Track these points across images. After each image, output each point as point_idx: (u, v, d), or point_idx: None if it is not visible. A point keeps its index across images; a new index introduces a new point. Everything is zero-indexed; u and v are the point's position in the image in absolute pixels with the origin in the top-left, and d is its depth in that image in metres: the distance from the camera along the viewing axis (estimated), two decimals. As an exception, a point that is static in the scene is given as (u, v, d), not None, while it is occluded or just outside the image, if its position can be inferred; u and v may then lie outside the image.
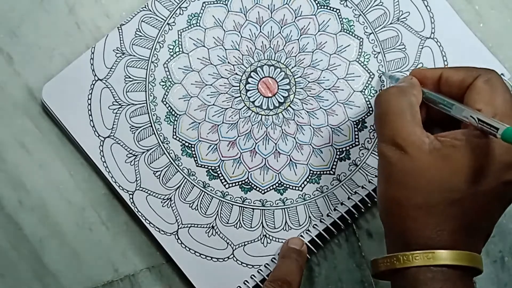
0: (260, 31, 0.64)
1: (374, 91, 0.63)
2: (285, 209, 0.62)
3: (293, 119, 0.63)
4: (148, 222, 0.61)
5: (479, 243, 0.52)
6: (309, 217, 0.62)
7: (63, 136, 0.63)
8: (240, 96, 0.63)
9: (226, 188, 0.62)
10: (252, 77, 0.63)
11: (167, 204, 0.62)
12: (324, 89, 0.64)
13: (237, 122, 0.63)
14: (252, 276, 0.61)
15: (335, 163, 0.63)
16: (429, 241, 0.50)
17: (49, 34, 0.63)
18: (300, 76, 0.64)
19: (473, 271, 0.51)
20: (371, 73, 0.64)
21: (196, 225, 0.61)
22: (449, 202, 0.50)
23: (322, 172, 0.63)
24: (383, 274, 0.53)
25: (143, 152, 0.62)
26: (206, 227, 0.62)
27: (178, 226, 0.61)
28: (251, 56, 0.64)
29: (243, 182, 0.62)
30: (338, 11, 0.64)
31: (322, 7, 0.64)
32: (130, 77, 0.63)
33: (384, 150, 0.52)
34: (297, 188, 0.62)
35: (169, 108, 0.63)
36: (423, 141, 0.51)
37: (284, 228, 0.62)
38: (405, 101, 0.53)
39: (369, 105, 0.63)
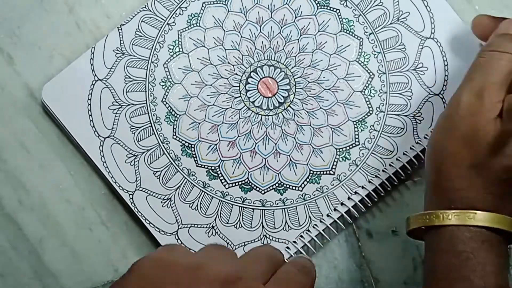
0: (260, 31, 0.64)
1: (374, 91, 0.63)
2: (285, 209, 0.62)
3: (293, 119, 0.63)
4: (148, 222, 0.61)
5: None
6: (309, 217, 0.62)
7: (63, 136, 0.63)
8: (240, 96, 0.63)
9: (226, 188, 0.62)
10: (252, 77, 0.63)
11: (167, 204, 0.61)
12: (324, 89, 0.64)
13: (237, 122, 0.63)
14: (252, 276, 0.61)
15: (335, 163, 0.63)
16: (473, 201, 0.50)
17: (49, 34, 0.63)
18: (300, 76, 0.64)
19: (508, 237, 0.51)
20: (371, 73, 0.64)
21: (196, 225, 0.61)
22: (503, 167, 0.50)
23: (322, 172, 0.63)
24: (417, 232, 0.53)
25: (143, 152, 0.62)
26: (206, 227, 0.62)
27: (178, 226, 0.61)
28: (251, 56, 0.64)
29: (243, 182, 0.62)
30: (338, 11, 0.64)
31: (322, 7, 0.64)
32: (130, 77, 0.63)
33: (465, 95, 0.52)
34: (297, 188, 0.62)
35: (169, 108, 0.63)
36: (497, 107, 0.51)
37: (284, 228, 0.62)
38: (510, 67, 0.53)
39: (369, 105, 0.63)
